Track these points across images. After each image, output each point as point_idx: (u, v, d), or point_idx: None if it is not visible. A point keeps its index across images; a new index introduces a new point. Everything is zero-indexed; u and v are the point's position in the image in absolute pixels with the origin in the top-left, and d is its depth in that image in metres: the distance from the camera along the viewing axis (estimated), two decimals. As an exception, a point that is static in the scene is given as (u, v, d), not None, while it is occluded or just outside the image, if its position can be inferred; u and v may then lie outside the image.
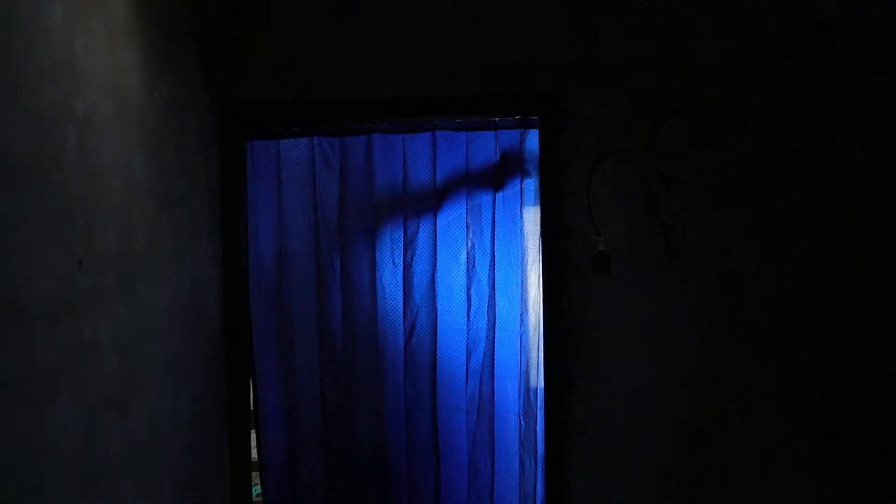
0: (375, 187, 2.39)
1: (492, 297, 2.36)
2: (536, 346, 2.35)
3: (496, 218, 2.36)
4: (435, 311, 2.37)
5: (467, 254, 2.37)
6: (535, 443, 2.35)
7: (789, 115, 2.16)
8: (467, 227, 2.36)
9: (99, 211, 1.52)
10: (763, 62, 2.16)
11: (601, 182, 2.19)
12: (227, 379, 2.30)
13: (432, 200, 2.36)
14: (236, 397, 2.32)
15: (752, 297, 2.17)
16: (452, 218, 2.37)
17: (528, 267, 2.35)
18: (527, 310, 2.36)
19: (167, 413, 1.86)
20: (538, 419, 2.34)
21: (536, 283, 2.33)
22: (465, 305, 2.37)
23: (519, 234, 2.36)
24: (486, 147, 2.37)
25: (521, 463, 2.37)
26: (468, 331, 2.37)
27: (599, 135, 2.20)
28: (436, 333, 2.37)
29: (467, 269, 2.37)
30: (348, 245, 2.40)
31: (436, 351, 2.38)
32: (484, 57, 2.23)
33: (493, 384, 2.37)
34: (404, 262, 2.38)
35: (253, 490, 2.42)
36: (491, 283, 2.36)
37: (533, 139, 2.33)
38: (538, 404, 2.34)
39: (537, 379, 2.35)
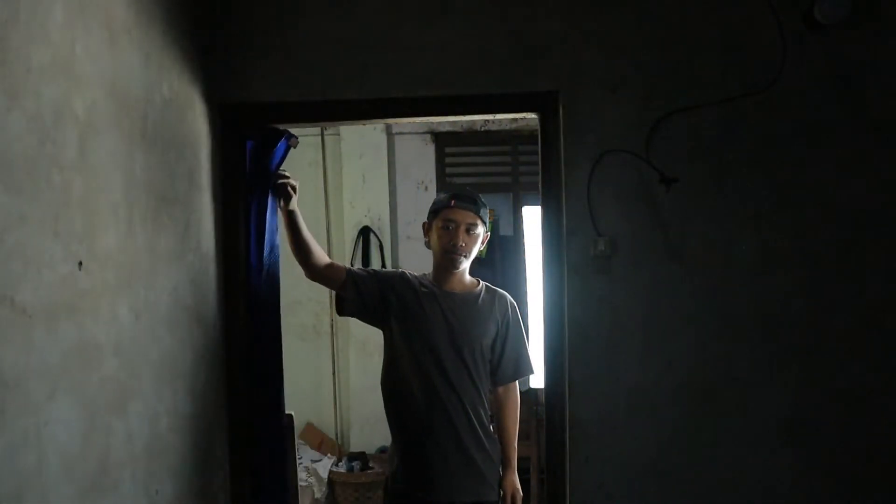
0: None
1: None
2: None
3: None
4: None
5: None
6: None
7: (790, 115, 2.16)
8: None
9: (99, 211, 1.52)
10: (763, 62, 2.15)
11: (601, 182, 2.19)
12: (227, 379, 2.29)
13: None
14: (235, 397, 2.31)
15: (752, 297, 2.17)
16: None
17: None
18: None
19: (167, 413, 1.86)
20: None
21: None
22: None
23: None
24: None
25: None
26: None
27: (599, 135, 2.20)
28: None
29: None
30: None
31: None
32: (484, 57, 2.23)
33: None
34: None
35: (253, 490, 2.42)
36: None
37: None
38: None
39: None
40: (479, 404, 2.39)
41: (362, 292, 2.43)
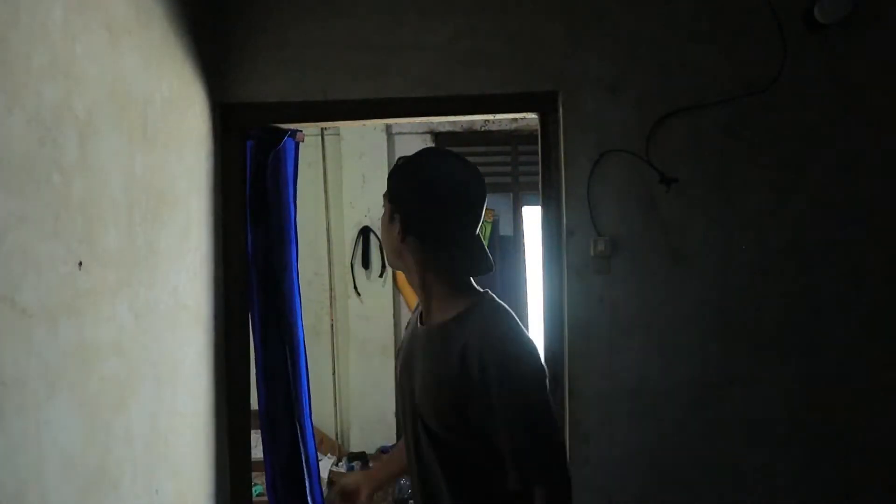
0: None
1: None
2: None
3: None
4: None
5: None
6: None
7: (789, 115, 2.16)
8: None
9: (99, 211, 1.52)
10: (763, 62, 2.15)
11: (601, 182, 2.19)
12: (227, 378, 2.29)
13: None
14: (235, 397, 2.31)
15: (752, 297, 2.17)
16: None
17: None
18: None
19: (167, 413, 1.86)
20: None
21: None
22: None
23: None
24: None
25: None
26: None
27: (599, 135, 2.20)
28: None
29: None
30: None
31: None
32: (484, 57, 2.23)
33: None
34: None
35: (253, 490, 2.42)
36: None
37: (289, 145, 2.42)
38: None
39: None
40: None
41: None
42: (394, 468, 1.74)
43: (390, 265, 1.54)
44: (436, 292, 1.45)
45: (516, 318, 1.43)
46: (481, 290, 1.46)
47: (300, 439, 2.42)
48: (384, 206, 1.50)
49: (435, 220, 1.41)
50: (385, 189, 1.47)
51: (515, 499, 1.33)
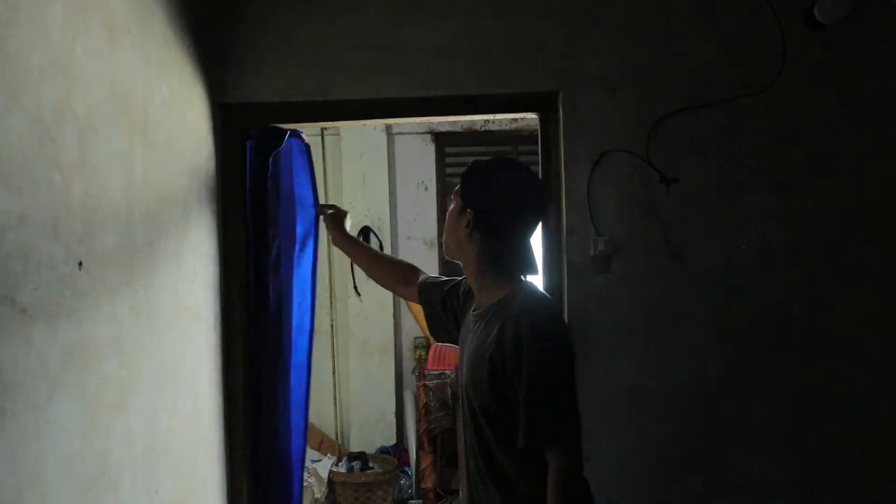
0: None
1: None
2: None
3: None
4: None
5: None
6: None
7: (790, 115, 2.16)
8: None
9: (99, 211, 1.52)
10: (763, 62, 2.16)
11: (601, 182, 2.19)
12: (227, 378, 2.29)
13: None
14: (235, 396, 2.31)
15: (752, 297, 2.17)
16: None
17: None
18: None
19: (167, 413, 1.86)
20: None
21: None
22: None
23: None
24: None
25: None
26: None
27: (599, 135, 2.20)
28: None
29: None
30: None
31: None
32: (484, 57, 2.23)
33: None
34: None
35: (253, 490, 2.42)
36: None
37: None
38: None
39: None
40: (494, 478, 1.60)
41: (433, 306, 1.95)
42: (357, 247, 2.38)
43: (447, 254, 1.78)
44: (488, 282, 1.68)
45: (552, 301, 1.71)
46: (522, 279, 1.68)
47: (281, 433, 2.41)
48: (453, 200, 1.73)
49: (501, 222, 1.65)
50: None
51: (543, 474, 1.51)
